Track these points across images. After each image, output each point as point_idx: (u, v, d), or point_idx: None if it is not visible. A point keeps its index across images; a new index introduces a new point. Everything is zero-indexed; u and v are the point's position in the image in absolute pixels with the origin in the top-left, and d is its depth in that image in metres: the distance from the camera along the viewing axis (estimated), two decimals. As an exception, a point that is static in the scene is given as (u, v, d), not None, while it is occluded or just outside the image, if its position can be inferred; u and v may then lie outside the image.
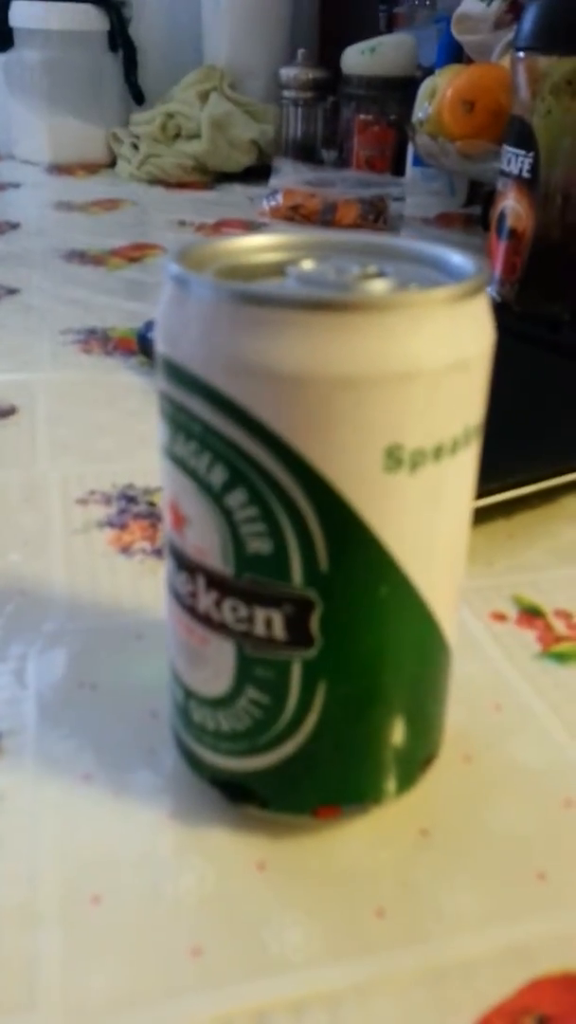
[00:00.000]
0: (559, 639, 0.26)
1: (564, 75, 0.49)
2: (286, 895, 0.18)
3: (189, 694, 0.19)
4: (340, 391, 0.15)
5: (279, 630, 0.17)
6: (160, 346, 0.17)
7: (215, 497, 0.16)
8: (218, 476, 0.16)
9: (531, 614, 0.27)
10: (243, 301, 0.15)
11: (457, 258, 0.18)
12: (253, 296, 0.15)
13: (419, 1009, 0.16)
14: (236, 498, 0.16)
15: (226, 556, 0.17)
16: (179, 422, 0.17)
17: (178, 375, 0.16)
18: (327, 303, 0.15)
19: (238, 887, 0.18)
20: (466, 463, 0.17)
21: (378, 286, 0.16)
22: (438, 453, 0.16)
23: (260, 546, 0.16)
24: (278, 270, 0.18)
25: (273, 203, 0.83)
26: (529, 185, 0.52)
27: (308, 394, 0.15)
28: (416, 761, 0.20)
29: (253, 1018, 0.16)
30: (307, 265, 0.17)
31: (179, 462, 0.17)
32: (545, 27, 0.49)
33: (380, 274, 0.17)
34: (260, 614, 0.17)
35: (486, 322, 0.17)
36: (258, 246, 0.19)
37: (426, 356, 0.15)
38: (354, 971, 0.17)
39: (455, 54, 0.84)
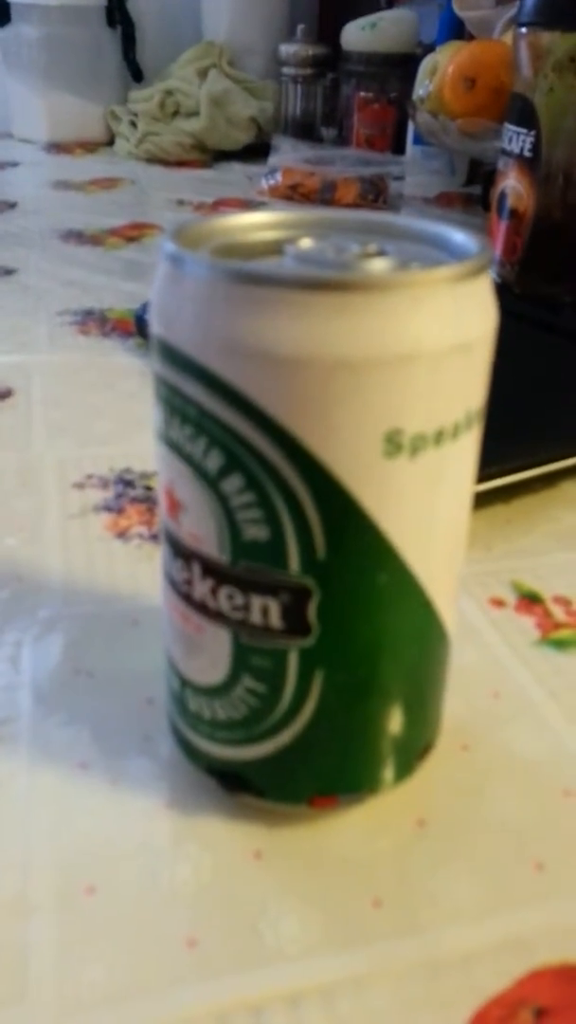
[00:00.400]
0: (558, 626, 0.26)
1: (567, 51, 0.48)
2: (282, 885, 0.18)
3: (185, 682, 0.19)
4: (339, 373, 0.14)
5: (276, 618, 0.17)
6: (155, 327, 0.16)
7: (211, 483, 0.16)
8: (214, 461, 0.16)
9: (530, 600, 0.27)
10: (239, 280, 0.15)
11: (459, 237, 0.17)
12: (249, 275, 0.15)
13: (416, 1001, 0.16)
14: (232, 484, 0.16)
15: (222, 543, 0.16)
16: (174, 405, 0.16)
17: (173, 357, 0.16)
18: (326, 282, 0.14)
19: (234, 877, 0.18)
20: (467, 448, 0.17)
21: (378, 265, 0.16)
22: (439, 438, 0.16)
23: (256, 533, 0.16)
24: (276, 248, 0.17)
25: (272, 182, 0.81)
26: (530, 164, 0.51)
27: (306, 377, 0.14)
28: (413, 750, 0.19)
29: (249, 1010, 0.16)
30: (305, 243, 0.17)
31: (174, 447, 0.17)
32: (548, 2, 0.47)
33: (380, 253, 0.16)
34: (256, 602, 0.17)
35: (489, 303, 0.16)
36: (255, 224, 0.18)
37: (427, 337, 0.15)
38: (350, 962, 0.16)
39: (456, 30, 0.82)
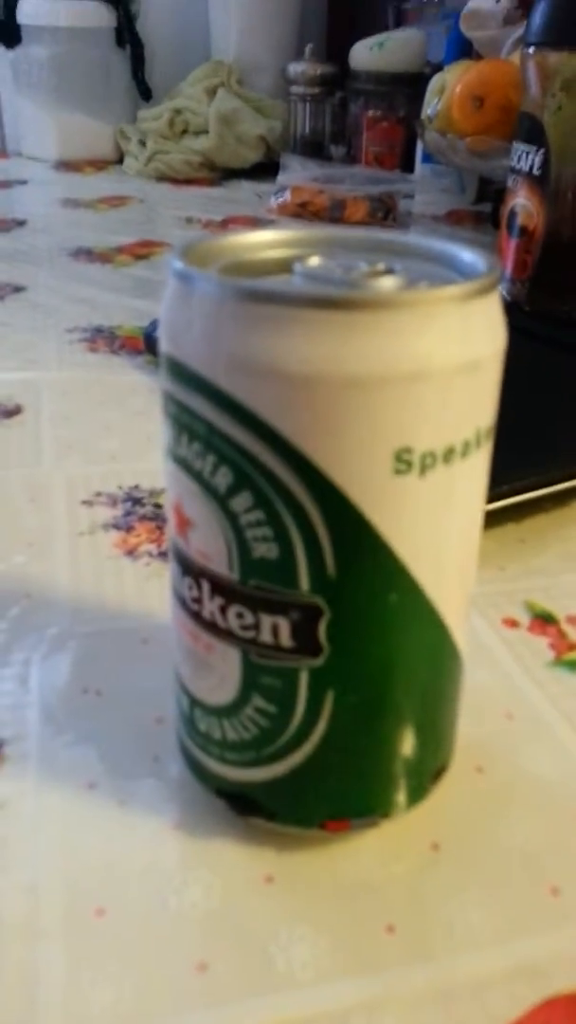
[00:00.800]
0: (572, 646, 0.26)
1: (576, 70, 0.48)
2: (294, 909, 0.18)
3: (194, 702, 0.19)
4: (347, 391, 0.15)
5: (286, 637, 0.17)
6: (163, 344, 0.16)
7: (220, 500, 0.16)
8: (222, 479, 0.16)
9: (544, 621, 0.27)
10: (247, 298, 0.15)
11: (468, 255, 0.17)
12: (258, 293, 0.15)
13: (430, 1029, 0.16)
14: (241, 501, 0.16)
15: (231, 561, 0.16)
16: (183, 423, 0.16)
17: (181, 374, 0.16)
18: (334, 301, 0.14)
19: (245, 901, 0.18)
20: (477, 466, 0.17)
21: (386, 283, 0.16)
22: (449, 456, 0.16)
23: (266, 551, 0.16)
24: (284, 267, 0.18)
25: (281, 200, 0.82)
26: (539, 182, 0.51)
27: (314, 394, 0.15)
28: (427, 772, 0.19)
29: (259, 1037, 0.16)
30: (314, 262, 0.17)
31: (183, 464, 0.17)
32: (556, 22, 0.48)
33: (388, 271, 0.16)
34: (266, 621, 0.17)
35: (498, 321, 0.16)
36: (264, 242, 0.18)
37: (436, 356, 0.15)
38: (362, 988, 0.16)
39: (464, 50, 0.83)
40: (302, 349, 0.14)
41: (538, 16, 0.49)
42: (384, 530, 0.16)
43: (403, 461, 0.15)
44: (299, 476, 0.15)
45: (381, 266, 0.16)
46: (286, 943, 0.17)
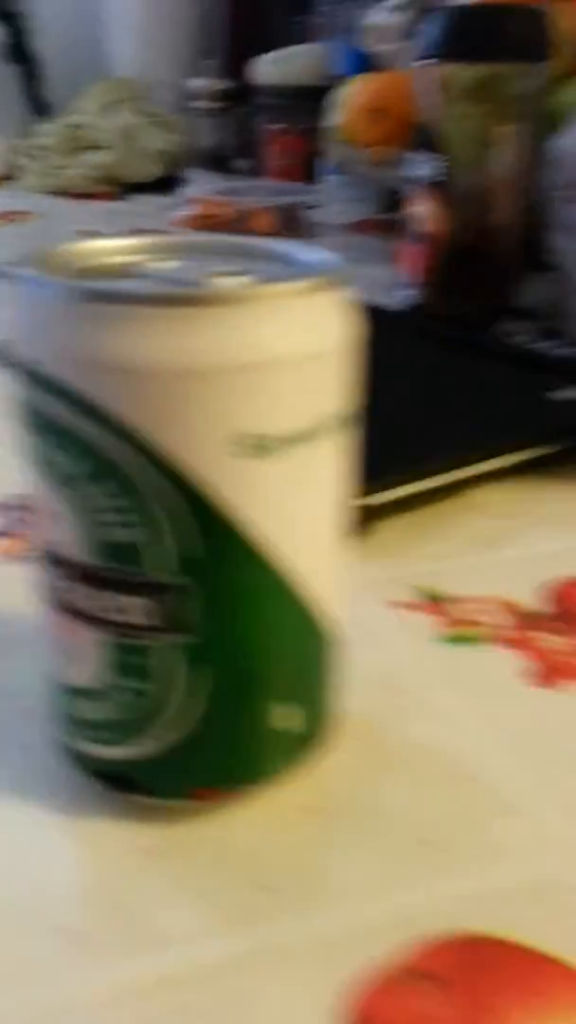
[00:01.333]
0: (457, 622, 0.28)
1: (469, 82, 0.52)
2: (172, 879, 0.19)
3: (64, 688, 0.20)
4: (185, 381, 0.17)
5: (147, 617, 0.18)
6: (10, 348, 0.18)
7: (76, 491, 0.18)
8: (78, 471, 0.18)
9: (431, 601, 0.29)
10: (88, 299, 0.17)
11: (315, 255, 0.20)
12: (98, 293, 0.17)
13: (307, 977, 0.17)
14: (96, 490, 0.18)
15: (90, 547, 0.18)
16: (37, 424, 0.18)
17: (30, 376, 0.18)
18: (169, 298, 0.16)
19: (122, 875, 0.19)
20: (330, 450, 0.19)
21: (226, 282, 0.18)
22: (293, 440, 0.18)
23: (122, 536, 0.18)
24: (134, 271, 0.19)
25: (185, 212, 0.85)
26: (438, 189, 0.55)
27: (155, 385, 0.17)
28: (303, 742, 0.21)
29: (134, 995, 0.17)
30: (162, 265, 0.19)
31: (40, 461, 0.18)
32: (452, 34, 0.52)
33: (235, 272, 0.18)
34: (127, 602, 0.18)
35: (340, 315, 0.18)
36: (118, 248, 0.20)
37: (273, 347, 0.17)
38: (239, 943, 0.18)
39: (366, 64, 0.88)
40: (141, 344, 0.16)
41: (434, 29, 0.53)
42: (237, 511, 0.18)
43: (246, 445, 0.17)
44: (148, 464, 0.17)
45: (228, 268, 0.18)
46: (163, 909, 0.19)
